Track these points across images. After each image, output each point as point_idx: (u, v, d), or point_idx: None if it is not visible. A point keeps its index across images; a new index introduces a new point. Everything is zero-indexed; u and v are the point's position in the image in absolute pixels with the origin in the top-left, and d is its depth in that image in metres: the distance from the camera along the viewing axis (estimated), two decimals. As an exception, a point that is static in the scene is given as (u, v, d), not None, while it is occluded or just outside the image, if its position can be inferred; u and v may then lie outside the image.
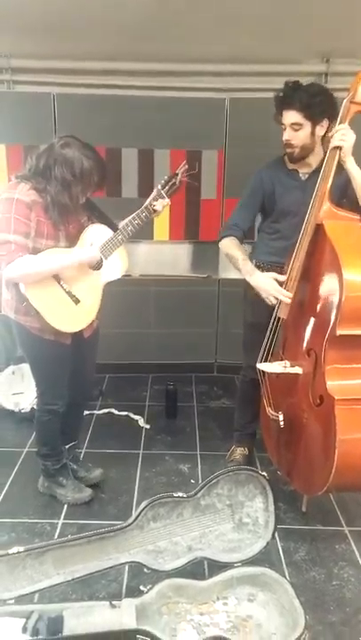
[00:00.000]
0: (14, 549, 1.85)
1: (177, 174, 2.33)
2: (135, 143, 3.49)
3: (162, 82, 3.45)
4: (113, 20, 2.75)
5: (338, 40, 3.04)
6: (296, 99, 2.21)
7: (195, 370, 3.95)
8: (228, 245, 2.43)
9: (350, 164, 2.13)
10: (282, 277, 2.24)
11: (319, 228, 2.06)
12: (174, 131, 3.47)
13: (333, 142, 2.08)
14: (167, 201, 2.30)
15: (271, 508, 2.03)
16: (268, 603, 1.91)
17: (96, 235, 2.27)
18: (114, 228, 2.30)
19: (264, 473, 2.02)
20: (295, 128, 2.25)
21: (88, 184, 2.15)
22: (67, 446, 2.64)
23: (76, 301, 2.24)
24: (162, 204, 2.29)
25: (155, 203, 2.27)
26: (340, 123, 2.07)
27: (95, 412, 3.40)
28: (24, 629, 1.70)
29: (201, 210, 3.68)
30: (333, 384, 1.98)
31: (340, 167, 2.22)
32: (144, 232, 3.66)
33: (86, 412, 3.33)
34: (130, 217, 2.28)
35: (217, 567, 2.00)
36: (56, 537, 2.30)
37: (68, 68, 3.37)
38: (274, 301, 2.23)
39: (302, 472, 2.20)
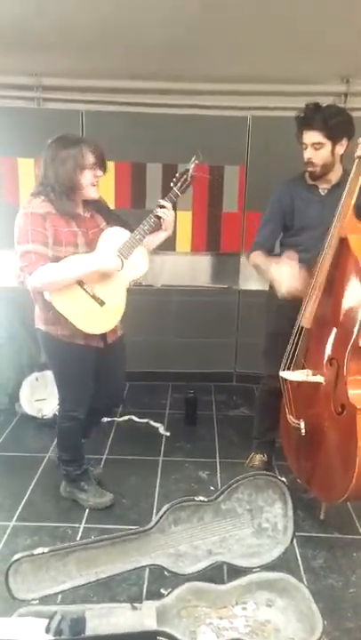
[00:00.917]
0: (39, 550, 1.90)
1: (188, 170, 2.41)
2: (160, 158, 3.57)
3: (187, 100, 3.54)
4: (140, 41, 2.84)
5: (358, 61, 3.10)
6: (317, 119, 2.30)
7: (214, 379, 3.99)
8: (253, 258, 2.54)
9: None
10: (292, 254, 2.29)
11: (343, 242, 2.11)
12: (198, 146, 3.52)
13: (359, 152, 2.11)
14: (170, 211, 2.37)
15: (290, 513, 2.06)
16: (287, 608, 1.94)
17: (114, 236, 2.32)
18: (131, 229, 2.35)
19: (283, 478, 2.06)
20: (316, 147, 2.33)
21: (82, 163, 2.19)
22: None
23: (101, 303, 2.28)
24: (164, 213, 2.36)
25: (158, 211, 2.35)
26: None
27: (116, 419, 3.46)
28: (47, 629, 1.74)
29: (222, 222, 3.76)
30: (355, 393, 2.01)
31: None
32: (166, 243, 3.72)
33: (107, 419, 3.42)
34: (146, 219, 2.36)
35: (235, 572, 2.03)
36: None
37: (96, 87, 3.48)
38: (291, 287, 2.26)
39: (322, 480, 2.23)
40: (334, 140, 2.33)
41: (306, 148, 2.36)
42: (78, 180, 2.21)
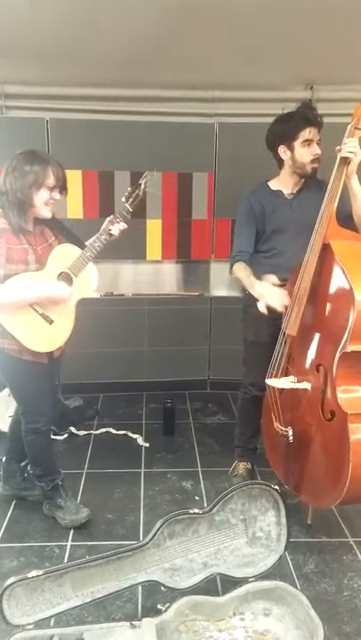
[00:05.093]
0: (33, 573, 1.84)
1: (140, 185, 2.40)
2: (127, 166, 3.54)
3: (153, 107, 3.54)
4: (105, 48, 2.82)
5: (321, 68, 3.17)
6: (319, 118, 2.40)
7: (188, 387, 3.98)
8: (236, 271, 2.53)
9: (355, 182, 2.21)
10: (273, 278, 2.31)
11: (326, 248, 2.13)
12: (166, 154, 3.54)
13: (343, 153, 2.12)
14: (123, 225, 2.36)
15: (283, 521, 2.07)
16: (284, 616, 1.94)
17: (64, 254, 2.30)
18: (82, 246, 2.34)
19: (276, 486, 2.06)
20: (318, 144, 2.41)
21: (41, 181, 2.17)
22: (21, 464, 2.67)
23: (50, 322, 2.27)
24: (118, 229, 2.35)
25: (111, 227, 2.34)
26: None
27: (93, 431, 3.41)
28: (46, 653, 1.70)
29: (192, 230, 3.76)
30: (345, 399, 2.03)
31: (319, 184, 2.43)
32: (137, 252, 3.74)
33: (84, 433, 3.39)
34: (92, 238, 2.34)
35: (230, 583, 2.02)
36: (66, 559, 2.30)
37: (61, 94, 3.43)
38: (277, 307, 2.25)
39: (313, 486, 2.24)
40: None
41: (311, 145, 2.40)
42: (31, 197, 2.19)
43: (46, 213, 2.26)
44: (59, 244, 2.34)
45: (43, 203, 2.22)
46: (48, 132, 3.48)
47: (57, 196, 2.25)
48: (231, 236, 3.62)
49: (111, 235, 2.34)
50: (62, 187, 2.26)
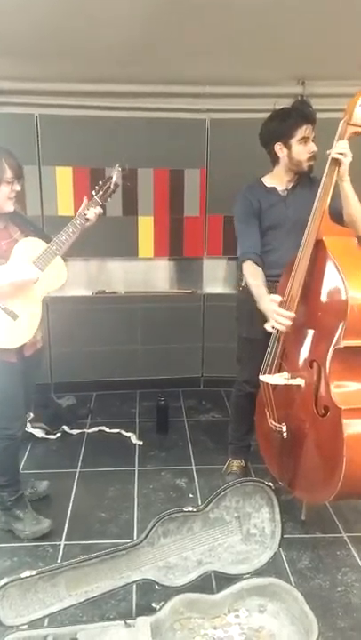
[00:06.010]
0: (26, 573, 1.83)
1: (111, 177, 2.36)
2: (118, 162, 3.52)
3: (144, 103, 3.50)
4: (96, 44, 2.79)
5: (313, 63, 3.16)
6: (314, 114, 2.40)
7: (182, 384, 3.97)
8: (248, 272, 2.47)
9: (348, 183, 2.21)
10: (278, 298, 2.25)
11: (319, 244, 2.12)
12: (157, 150, 3.53)
13: (333, 154, 2.12)
14: (99, 210, 2.32)
15: (277, 517, 2.07)
16: (279, 612, 1.94)
17: (28, 247, 2.24)
18: (47, 240, 2.28)
19: (270, 483, 2.06)
20: (314, 140, 2.41)
21: (0, 178, 2.14)
22: None
23: (14, 317, 2.20)
24: (94, 213, 2.31)
25: (86, 211, 2.30)
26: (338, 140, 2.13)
27: (86, 430, 3.40)
28: (40, 653, 1.69)
29: (185, 227, 3.75)
30: (339, 394, 2.02)
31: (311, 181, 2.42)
32: (129, 249, 3.72)
33: (77, 431, 3.38)
34: (65, 227, 2.29)
35: (225, 580, 2.01)
36: (60, 559, 2.29)
37: (51, 90, 3.37)
38: (277, 326, 2.22)
39: (307, 481, 2.23)
40: None
41: (307, 142, 2.41)
42: None
43: (9, 207, 2.22)
44: (23, 238, 2.28)
45: (5, 198, 2.18)
46: (38, 128, 3.46)
47: (17, 187, 2.21)
48: (224, 233, 3.66)
49: (87, 219, 2.30)
50: (19, 176, 2.21)
